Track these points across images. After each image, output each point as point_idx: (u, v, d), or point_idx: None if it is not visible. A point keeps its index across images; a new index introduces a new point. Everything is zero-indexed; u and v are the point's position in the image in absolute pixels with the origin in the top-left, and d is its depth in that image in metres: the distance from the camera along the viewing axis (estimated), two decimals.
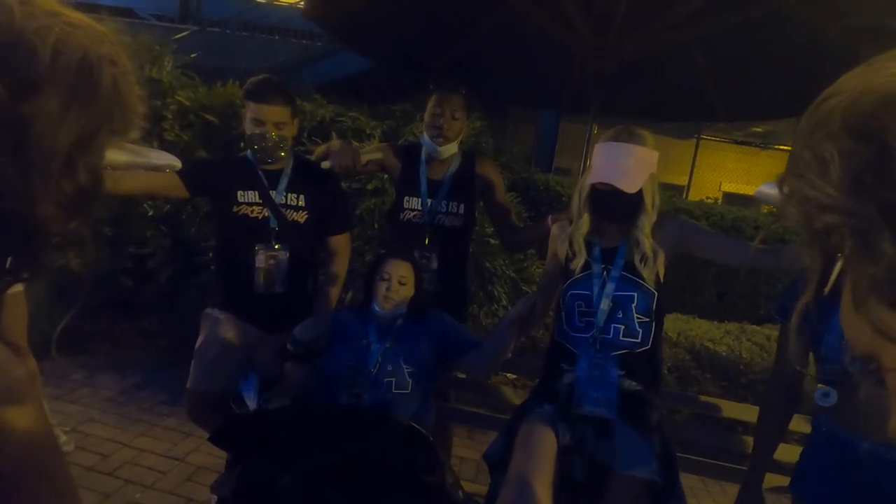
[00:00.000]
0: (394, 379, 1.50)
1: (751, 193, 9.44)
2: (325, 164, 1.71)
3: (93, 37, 0.41)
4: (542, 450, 1.29)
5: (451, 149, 1.83)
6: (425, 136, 1.84)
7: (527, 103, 4.70)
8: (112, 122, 0.42)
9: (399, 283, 1.55)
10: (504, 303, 3.12)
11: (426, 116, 1.83)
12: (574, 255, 1.46)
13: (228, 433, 1.40)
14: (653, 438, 1.34)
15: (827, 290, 0.35)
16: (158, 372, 2.95)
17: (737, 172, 9.71)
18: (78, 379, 2.79)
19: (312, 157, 1.84)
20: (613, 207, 1.40)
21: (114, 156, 0.44)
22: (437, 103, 1.80)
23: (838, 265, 0.33)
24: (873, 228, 0.28)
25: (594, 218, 1.44)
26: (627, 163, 1.37)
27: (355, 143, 3.02)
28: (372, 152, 1.88)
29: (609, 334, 1.40)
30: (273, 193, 1.69)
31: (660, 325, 1.46)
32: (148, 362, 3.07)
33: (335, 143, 1.87)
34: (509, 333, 1.51)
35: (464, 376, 1.86)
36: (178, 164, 1.18)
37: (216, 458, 2.14)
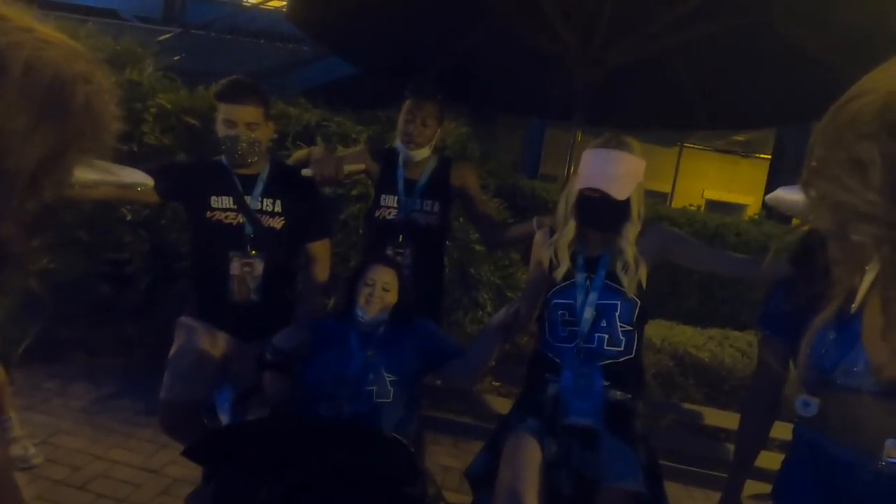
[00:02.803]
0: (375, 388, 1.48)
1: (732, 201, 9.66)
2: (306, 172, 1.68)
3: (67, 54, 0.40)
4: (529, 464, 1.27)
5: (423, 153, 1.88)
6: (398, 141, 1.89)
7: (513, 111, 4.73)
8: (83, 141, 0.41)
9: (383, 289, 1.53)
10: (489, 309, 3.10)
11: (399, 122, 1.89)
12: (558, 263, 1.45)
13: (204, 446, 1.36)
14: (638, 449, 1.33)
15: (855, 306, 0.32)
16: (135, 381, 2.87)
17: (719, 180, 9.86)
18: (50, 388, 2.70)
19: (290, 161, 1.81)
20: (601, 215, 1.40)
21: (83, 174, 0.43)
22: (409, 110, 1.85)
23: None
24: None
25: (580, 226, 1.44)
26: (617, 169, 1.37)
27: (340, 148, 2.99)
28: (354, 162, 1.90)
29: (593, 343, 1.40)
30: (248, 199, 1.65)
31: (642, 333, 1.46)
32: (125, 371, 2.99)
33: (317, 149, 1.87)
34: (493, 341, 1.49)
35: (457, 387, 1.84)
36: (149, 182, 1.15)
37: (193, 470, 2.07)
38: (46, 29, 0.40)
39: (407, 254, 1.84)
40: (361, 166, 1.92)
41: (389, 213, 1.89)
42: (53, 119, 0.39)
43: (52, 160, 0.39)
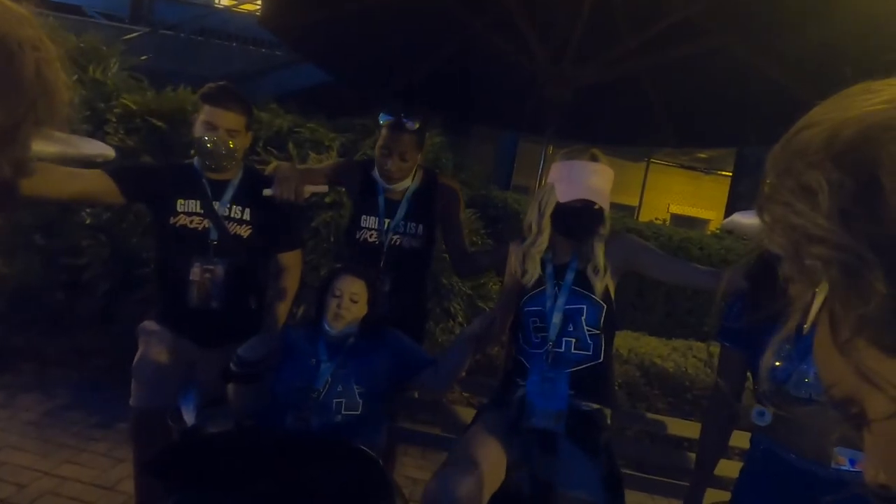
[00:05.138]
0: (343, 400, 1.46)
1: (696, 215, 10.01)
2: (267, 192, 1.62)
3: (12, 20, 0.37)
4: (487, 440, 1.32)
5: (403, 185, 1.78)
6: (376, 171, 1.78)
7: (486, 123, 4.79)
8: (37, 112, 0.38)
9: (351, 300, 1.51)
10: (460, 319, 3.11)
11: (376, 150, 1.76)
12: (526, 271, 1.48)
13: (164, 461, 1.30)
14: (599, 459, 1.36)
15: (807, 326, 0.33)
16: (91, 393, 2.74)
17: (683, 195, 10.22)
18: None
19: (266, 171, 1.77)
20: (584, 224, 1.44)
21: (41, 146, 0.40)
22: (386, 144, 1.72)
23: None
24: (865, 265, 0.26)
25: (553, 235, 1.47)
26: (599, 181, 1.43)
27: (313, 155, 2.96)
28: (318, 183, 1.78)
29: (561, 348, 1.43)
30: (216, 204, 1.62)
31: (610, 339, 1.50)
32: (80, 382, 2.85)
33: (283, 166, 1.75)
34: (466, 351, 1.49)
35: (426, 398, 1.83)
36: (111, 153, 1.11)
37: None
38: None
39: (386, 281, 1.74)
40: (324, 188, 1.82)
41: (371, 237, 1.78)
42: (3, 90, 0.36)
43: (6, 133, 0.37)
